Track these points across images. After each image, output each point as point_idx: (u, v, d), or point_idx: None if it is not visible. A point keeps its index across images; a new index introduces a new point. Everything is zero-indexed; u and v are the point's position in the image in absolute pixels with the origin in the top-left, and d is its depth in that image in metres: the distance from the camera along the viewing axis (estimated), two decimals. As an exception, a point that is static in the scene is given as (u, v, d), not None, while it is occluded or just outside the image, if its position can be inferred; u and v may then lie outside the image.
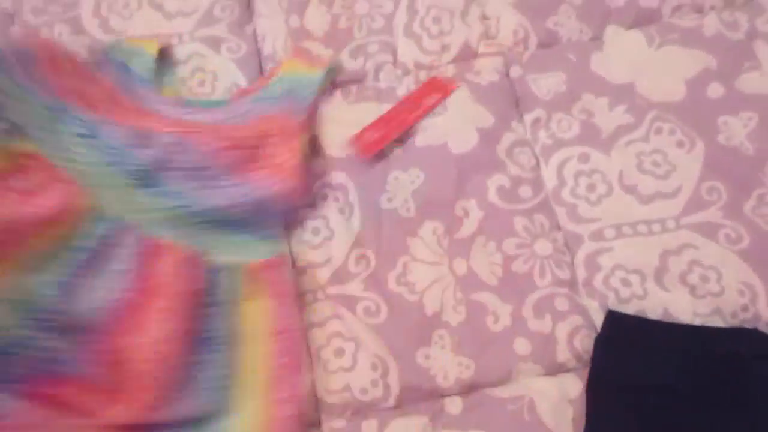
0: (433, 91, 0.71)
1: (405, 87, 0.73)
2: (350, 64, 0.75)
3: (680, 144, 0.67)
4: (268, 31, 0.77)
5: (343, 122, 0.71)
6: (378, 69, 0.74)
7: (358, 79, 0.75)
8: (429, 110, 0.69)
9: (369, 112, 0.71)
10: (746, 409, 0.56)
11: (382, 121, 0.69)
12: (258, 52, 0.77)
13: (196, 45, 0.76)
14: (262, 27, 0.78)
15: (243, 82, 0.75)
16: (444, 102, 0.71)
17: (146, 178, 0.62)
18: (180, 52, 0.76)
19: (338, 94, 0.74)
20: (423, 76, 0.74)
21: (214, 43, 0.76)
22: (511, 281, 0.63)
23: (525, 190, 0.67)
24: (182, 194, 0.62)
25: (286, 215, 0.65)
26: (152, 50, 0.72)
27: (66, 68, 0.65)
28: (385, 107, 0.71)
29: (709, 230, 0.63)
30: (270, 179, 0.63)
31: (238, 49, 0.77)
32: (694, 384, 0.57)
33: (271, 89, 0.71)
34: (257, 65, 0.77)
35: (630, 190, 0.66)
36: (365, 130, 0.67)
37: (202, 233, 0.61)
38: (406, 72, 0.74)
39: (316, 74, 0.72)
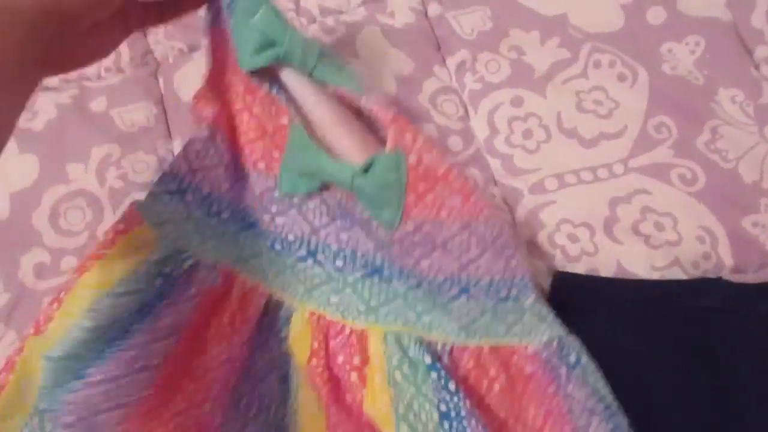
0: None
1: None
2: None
3: (622, 77, 0.60)
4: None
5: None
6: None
7: None
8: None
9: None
10: (715, 367, 0.49)
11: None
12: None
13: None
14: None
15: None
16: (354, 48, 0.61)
17: (372, 268, 0.48)
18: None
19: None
20: (331, 22, 0.64)
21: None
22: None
23: (454, 142, 0.59)
24: (410, 272, 0.47)
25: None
26: None
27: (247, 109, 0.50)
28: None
29: (660, 172, 0.56)
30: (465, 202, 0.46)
31: (115, 7, 0.66)
32: (656, 345, 0.50)
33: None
34: None
35: (570, 133, 0.59)
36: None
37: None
38: (311, 20, 0.65)
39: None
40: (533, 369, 0.44)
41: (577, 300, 0.52)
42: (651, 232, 0.54)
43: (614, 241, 0.54)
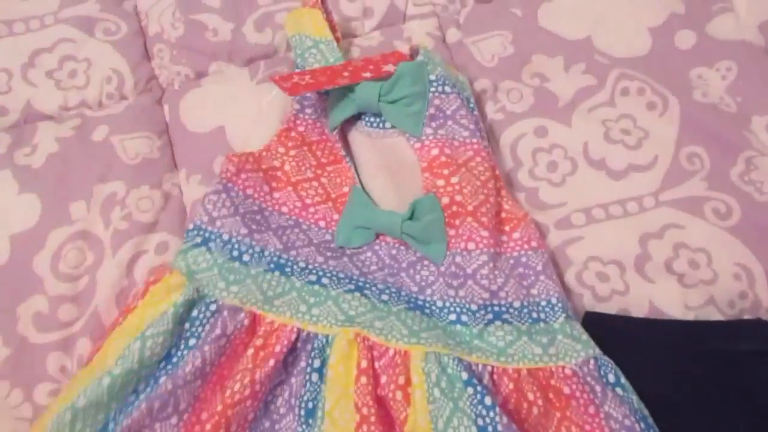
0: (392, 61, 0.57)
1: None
2: (255, 38, 0.64)
3: (651, 105, 0.57)
4: (151, 5, 0.63)
5: (251, 106, 0.60)
6: (290, 41, 0.62)
7: (267, 54, 0.64)
8: (378, 75, 0.56)
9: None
10: (755, 416, 0.47)
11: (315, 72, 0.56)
12: (142, 32, 0.65)
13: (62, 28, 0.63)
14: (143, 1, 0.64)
15: (125, 69, 0.62)
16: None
17: (414, 304, 0.51)
18: (42, 38, 0.62)
19: (245, 72, 0.61)
20: (345, 44, 0.62)
21: (86, 25, 0.64)
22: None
23: (476, 175, 0.56)
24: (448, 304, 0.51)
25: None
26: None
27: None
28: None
29: (693, 205, 0.54)
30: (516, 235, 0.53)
31: (117, 30, 0.64)
32: (692, 391, 0.47)
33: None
34: (141, 48, 0.64)
35: (598, 165, 0.56)
36: (292, 74, 0.56)
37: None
38: (323, 44, 0.62)
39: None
40: (571, 390, 0.46)
41: (608, 342, 0.50)
42: (685, 270, 0.52)
43: (646, 280, 0.52)
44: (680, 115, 0.57)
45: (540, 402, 0.45)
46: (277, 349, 0.46)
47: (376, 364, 0.46)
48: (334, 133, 0.57)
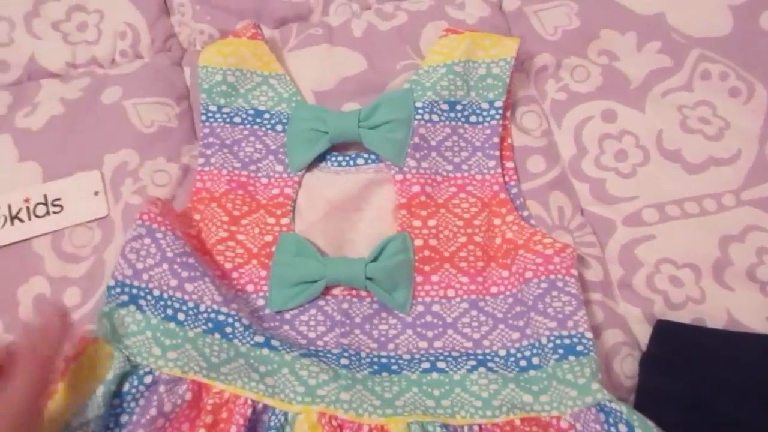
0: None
1: (365, 24, 0.54)
2: (288, -4, 0.57)
3: (735, 92, 0.52)
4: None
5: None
6: (327, 0, 0.55)
7: (301, 15, 0.57)
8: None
9: (317, 59, 0.54)
10: None
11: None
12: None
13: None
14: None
15: (141, 24, 0.55)
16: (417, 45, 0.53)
17: (378, 366, 0.44)
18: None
19: (276, 36, 0.55)
20: (389, 8, 0.55)
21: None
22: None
23: (535, 163, 0.50)
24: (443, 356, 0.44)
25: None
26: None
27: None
28: (341, 52, 0.52)
29: (779, 206, 0.48)
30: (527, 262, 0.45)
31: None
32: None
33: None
34: (160, 1, 0.58)
35: (673, 156, 0.50)
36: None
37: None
38: (365, 6, 0.56)
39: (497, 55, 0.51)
40: None
41: (681, 354, 0.45)
42: (768, 278, 0.46)
43: (724, 287, 0.47)
44: (767, 103, 0.51)
45: None
46: (233, 425, 0.39)
47: None
48: (288, 174, 0.49)
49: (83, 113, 0.52)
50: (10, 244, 0.48)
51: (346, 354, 0.44)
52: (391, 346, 0.45)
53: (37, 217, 0.48)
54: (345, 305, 0.46)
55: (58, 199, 0.49)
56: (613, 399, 0.40)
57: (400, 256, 0.46)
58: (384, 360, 0.44)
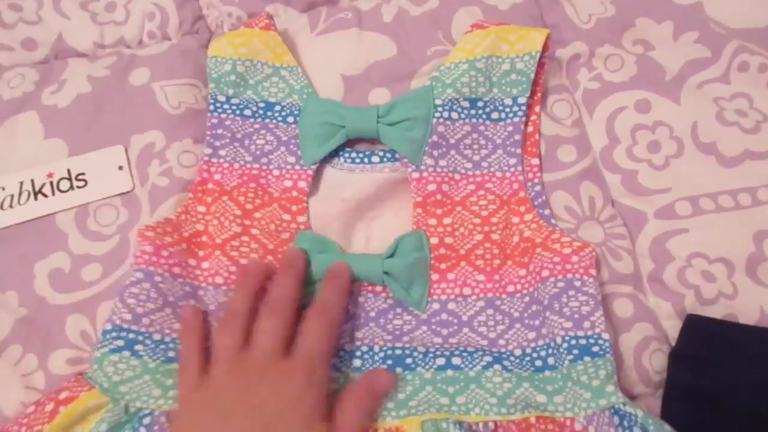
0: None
1: (395, 9, 0.53)
2: (315, -25, 0.57)
3: (773, 85, 0.50)
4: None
5: (312, 60, 0.53)
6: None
7: None
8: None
9: (346, 43, 0.53)
10: None
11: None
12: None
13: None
14: None
15: (169, 5, 0.55)
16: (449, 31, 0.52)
17: (392, 360, 0.43)
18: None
19: (304, 20, 0.54)
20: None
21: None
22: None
23: (566, 152, 0.50)
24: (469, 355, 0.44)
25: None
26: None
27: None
28: (371, 37, 0.52)
29: (816, 202, 0.47)
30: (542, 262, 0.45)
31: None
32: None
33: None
34: None
35: (708, 148, 0.49)
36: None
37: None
38: (396, -11, 0.55)
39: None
40: None
41: (711, 350, 0.44)
42: (804, 275, 0.45)
43: (758, 283, 0.46)
44: (807, 98, 0.50)
45: None
46: None
47: None
48: (300, 166, 0.48)
49: (111, 93, 0.52)
50: (33, 219, 0.47)
51: (359, 352, 0.43)
52: (405, 339, 0.44)
53: (61, 192, 0.48)
54: (361, 298, 0.45)
55: (82, 174, 0.49)
56: (627, 402, 0.39)
57: (415, 254, 0.45)
58: (398, 352, 0.43)
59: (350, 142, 0.49)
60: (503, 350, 0.43)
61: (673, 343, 0.45)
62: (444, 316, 0.45)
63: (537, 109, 0.50)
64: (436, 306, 0.45)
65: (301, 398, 0.38)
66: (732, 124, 0.49)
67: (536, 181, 0.48)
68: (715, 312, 0.45)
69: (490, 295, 0.45)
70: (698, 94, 0.50)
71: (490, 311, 0.45)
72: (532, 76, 0.49)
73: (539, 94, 0.51)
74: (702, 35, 0.52)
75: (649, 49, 0.52)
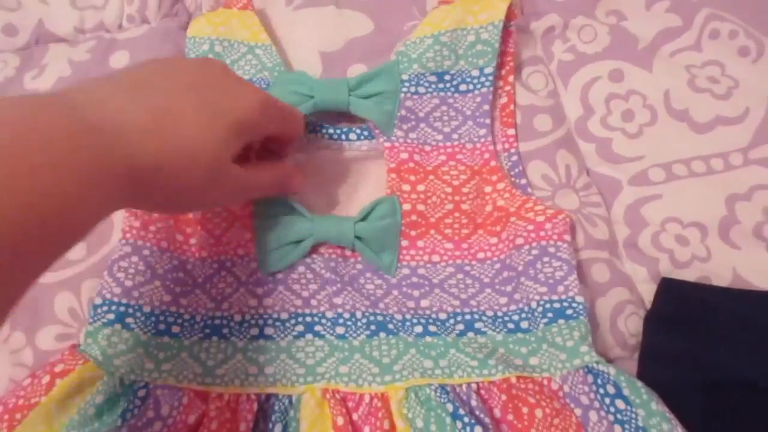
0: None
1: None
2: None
3: (744, 51, 0.51)
4: None
5: (290, 38, 0.53)
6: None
7: None
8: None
9: (323, 20, 0.53)
10: None
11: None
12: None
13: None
14: None
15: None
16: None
17: (375, 326, 0.44)
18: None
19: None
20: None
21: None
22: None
23: (542, 121, 0.50)
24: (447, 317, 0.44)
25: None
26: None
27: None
28: (348, 14, 0.52)
29: (787, 165, 0.48)
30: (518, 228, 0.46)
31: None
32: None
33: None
34: None
35: (680, 115, 0.50)
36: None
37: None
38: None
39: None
40: (561, 407, 0.40)
41: (686, 312, 0.44)
42: (774, 237, 0.46)
43: (730, 246, 0.46)
44: (777, 62, 0.50)
45: (544, 403, 0.39)
46: (242, 427, 0.39)
47: (354, 416, 0.40)
48: None
49: (91, 76, 0.52)
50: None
51: (341, 320, 0.44)
52: (381, 305, 0.44)
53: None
54: (332, 263, 0.45)
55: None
56: (601, 361, 0.40)
57: (388, 219, 0.45)
58: (380, 317, 0.43)
59: (330, 120, 0.50)
60: (475, 310, 0.44)
61: (649, 307, 0.46)
62: (414, 279, 0.45)
63: (511, 79, 0.51)
64: (405, 271, 0.46)
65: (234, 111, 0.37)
66: (704, 91, 0.50)
67: (513, 151, 0.49)
68: (689, 275, 0.46)
69: (459, 261, 0.46)
70: (671, 62, 0.51)
71: (460, 276, 0.45)
72: (497, 45, 0.49)
73: (511, 64, 0.51)
74: (673, 4, 0.53)
75: (622, 19, 0.53)
